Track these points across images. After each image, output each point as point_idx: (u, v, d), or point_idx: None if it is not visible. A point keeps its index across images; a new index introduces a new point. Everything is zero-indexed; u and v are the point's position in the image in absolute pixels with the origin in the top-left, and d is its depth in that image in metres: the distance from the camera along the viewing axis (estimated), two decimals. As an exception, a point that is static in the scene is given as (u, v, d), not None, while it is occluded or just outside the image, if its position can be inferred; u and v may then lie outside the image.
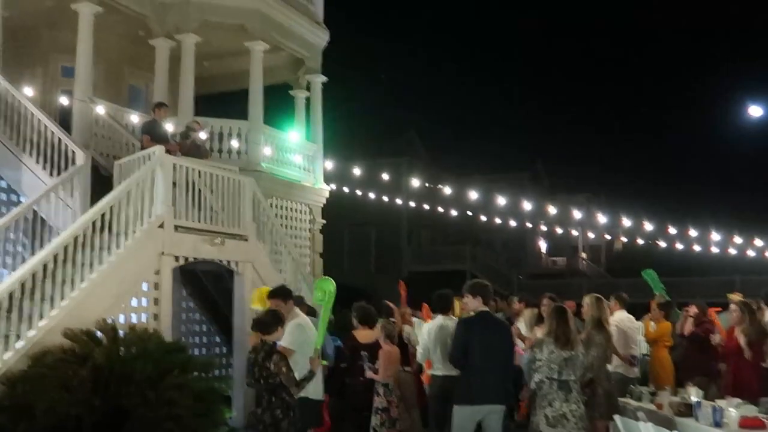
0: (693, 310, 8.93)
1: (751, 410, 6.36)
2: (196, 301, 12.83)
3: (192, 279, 12.13)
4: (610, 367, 8.31)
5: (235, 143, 13.27)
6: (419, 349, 7.42)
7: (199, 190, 10.17)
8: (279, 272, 11.82)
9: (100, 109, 11.78)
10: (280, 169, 14.12)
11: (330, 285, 6.51)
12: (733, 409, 5.99)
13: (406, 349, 8.60)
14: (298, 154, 14.81)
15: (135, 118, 12.45)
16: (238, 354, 10.72)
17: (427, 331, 7.32)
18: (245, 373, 6.18)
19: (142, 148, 10.62)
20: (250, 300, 7.31)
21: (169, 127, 11.23)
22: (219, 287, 11.88)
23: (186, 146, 11.18)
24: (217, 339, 13.16)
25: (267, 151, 13.59)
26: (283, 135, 14.63)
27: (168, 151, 9.95)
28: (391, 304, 9.39)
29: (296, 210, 14.52)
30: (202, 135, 11.78)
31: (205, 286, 12.23)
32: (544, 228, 32.48)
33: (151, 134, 10.81)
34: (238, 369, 10.62)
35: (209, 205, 10.36)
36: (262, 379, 5.70)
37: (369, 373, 7.36)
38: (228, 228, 10.49)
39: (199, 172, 10.21)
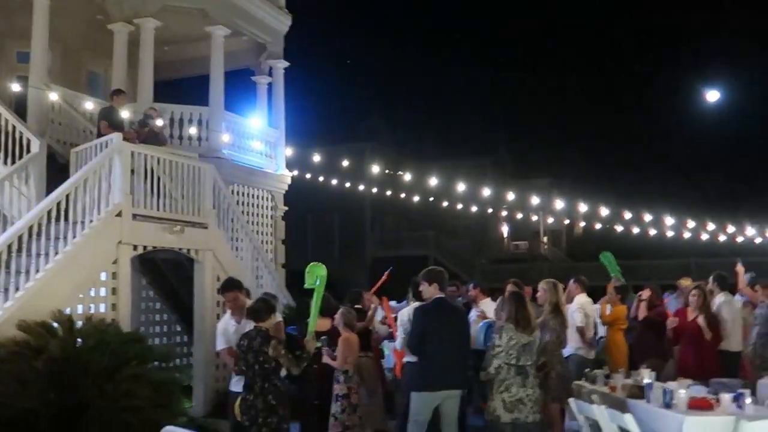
0: (646, 293, 9.13)
1: (700, 391, 6.56)
2: (156, 290, 12.72)
3: (151, 268, 12.02)
4: (571, 349, 8.52)
5: (195, 130, 13.12)
6: (400, 335, 7.40)
7: (158, 178, 10.04)
8: (240, 260, 11.77)
9: (56, 96, 11.56)
10: (242, 156, 14.01)
11: (322, 270, 6.84)
12: (683, 391, 6.16)
13: (369, 335, 8.65)
14: (259, 141, 14.71)
15: (92, 105, 12.24)
16: (198, 343, 10.67)
17: (407, 316, 7.32)
18: (235, 361, 6.33)
19: (99, 135, 10.45)
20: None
21: (125, 114, 11.06)
22: (179, 276, 11.78)
23: (143, 134, 11.04)
24: (178, 328, 13.08)
25: (228, 137, 13.47)
26: (245, 121, 14.51)
27: (126, 139, 9.82)
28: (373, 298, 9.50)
29: (258, 197, 14.44)
30: (159, 122, 11.63)
31: (165, 275, 12.12)
32: (505, 213, 32.79)
33: (109, 120, 10.64)
34: (199, 358, 10.58)
35: (169, 192, 10.25)
36: (258, 364, 5.88)
37: (326, 358, 7.38)
38: (188, 216, 10.40)
39: (158, 159, 10.08)
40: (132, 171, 9.56)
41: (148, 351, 7.62)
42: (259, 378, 5.90)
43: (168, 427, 4.85)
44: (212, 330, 10.48)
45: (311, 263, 6.94)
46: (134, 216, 9.46)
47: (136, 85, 13.11)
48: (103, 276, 9.12)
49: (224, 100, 13.68)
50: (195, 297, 10.71)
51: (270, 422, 5.93)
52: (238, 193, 13.72)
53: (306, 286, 6.96)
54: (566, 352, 8.48)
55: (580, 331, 8.97)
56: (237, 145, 13.95)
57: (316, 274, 6.84)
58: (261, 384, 5.90)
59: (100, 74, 15.03)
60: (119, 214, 9.24)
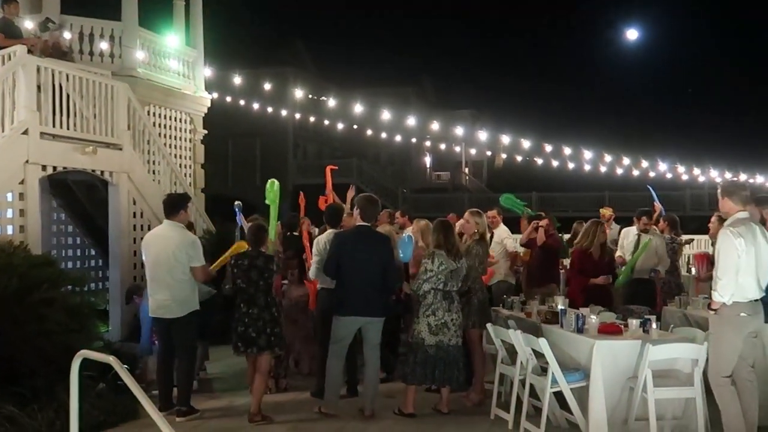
0: (544, 222, 9.36)
1: (609, 317, 6.86)
2: (69, 213, 12.24)
3: (63, 190, 11.53)
4: (500, 276, 8.79)
5: (106, 46, 12.41)
6: (313, 265, 7.35)
7: (68, 95, 9.52)
8: (157, 183, 11.42)
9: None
10: (158, 75, 13.37)
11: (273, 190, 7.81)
12: (594, 316, 6.40)
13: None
14: (177, 60, 14.06)
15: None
16: (114, 267, 10.40)
17: (323, 243, 7.29)
18: (227, 278, 6.67)
19: (-4, 47, 9.79)
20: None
21: (29, 24, 10.34)
22: (93, 198, 11.37)
23: (50, 46, 10.38)
24: (92, 252, 12.69)
25: (143, 55, 12.81)
26: (161, 39, 13.80)
27: (30, 50, 9.21)
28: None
29: (176, 119, 13.89)
30: (67, 35, 10.96)
31: (78, 197, 11.65)
32: (428, 143, 32.94)
33: (5, 32, 9.95)
34: (115, 282, 10.34)
35: (79, 111, 9.75)
36: (262, 280, 6.47)
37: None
38: (101, 136, 9.96)
39: (67, 75, 9.54)
40: (38, 87, 9.01)
41: (61, 274, 7.32)
42: (262, 293, 6.49)
43: (82, 351, 4.70)
44: (128, 253, 10.25)
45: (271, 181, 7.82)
46: (42, 135, 8.98)
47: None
48: (9, 197, 8.68)
49: (138, 16, 12.95)
50: (110, 220, 10.38)
51: (276, 332, 6.56)
52: (154, 114, 13.18)
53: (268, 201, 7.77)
54: (494, 279, 8.73)
55: (513, 256, 9.23)
56: (153, 64, 13.30)
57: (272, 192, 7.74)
58: (264, 299, 6.50)
59: (2, -19, 13.93)
60: (25, 132, 8.74)
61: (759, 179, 18.88)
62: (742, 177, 18.02)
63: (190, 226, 8.64)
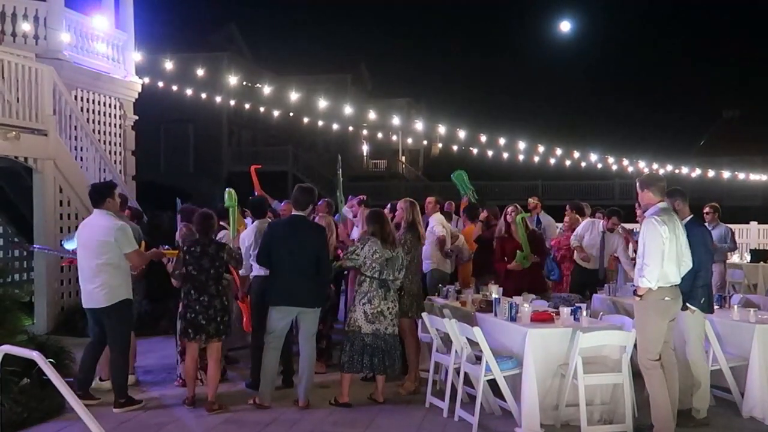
0: (483, 214, 9.44)
1: (542, 305, 6.99)
2: (-10, 201, 11.74)
3: (-17, 177, 11.04)
4: (432, 265, 8.76)
5: (29, 26, 11.89)
6: (242, 270, 7.30)
7: (-12, 78, 9.11)
8: (85, 171, 11.06)
9: None
10: (85, 59, 12.90)
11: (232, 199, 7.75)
12: (527, 305, 6.52)
13: None
14: (105, 43, 13.59)
15: None
16: (39, 257, 10.04)
17: (246, 236, 7.27)
18: (177, 264, 6.50)
19: None
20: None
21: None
22: (17, 186, 10.93)
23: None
24: (16, 241, 12.20)
25: (69, 37, 12.32)
26: (89, 20, 13.30)
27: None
28: None
29: (105, 104, 13.45)
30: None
31: (0, 185, 11.18)
32: (365, 131, 32.91)
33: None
34: (40, 273, 9.99)
35: (1, 95, 9.34)
36: (213, 268, 6.42)
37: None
38: (24, 121, 9.58)
39: (-13, 57, 9.12)
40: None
41: (-19, 266, 7.04)
42: (212, 281, 6.44)
43: (4, 346, 4.51)
44: (54, 243, 9.91)
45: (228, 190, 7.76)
46: (-40, 119, 8.56)
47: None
48: (-76, 184, 8.27)
49: (65, -4, 12.45)
50: (35, 209, 10.01)
51: (225, 320, 6.53)
52: (82, 99, 12.73)
53: (225, 205, 7.78)
54: (427, 267, 8.73)
55: (442, 240, 9.22)
56: (80, 46, 12.83)
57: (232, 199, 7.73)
58: (215, 286, 6.45)
59: None
60: (-58, 116, 8.33)
61: (684, 170, 19.54)
62: (669, 168, 18.62)
63: (140, 214, 8.48)
